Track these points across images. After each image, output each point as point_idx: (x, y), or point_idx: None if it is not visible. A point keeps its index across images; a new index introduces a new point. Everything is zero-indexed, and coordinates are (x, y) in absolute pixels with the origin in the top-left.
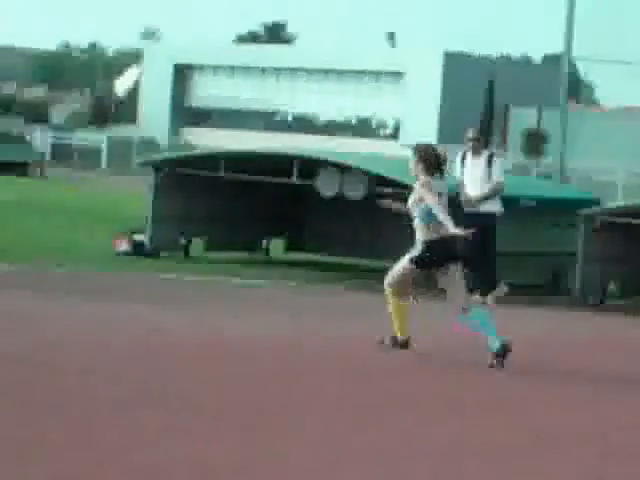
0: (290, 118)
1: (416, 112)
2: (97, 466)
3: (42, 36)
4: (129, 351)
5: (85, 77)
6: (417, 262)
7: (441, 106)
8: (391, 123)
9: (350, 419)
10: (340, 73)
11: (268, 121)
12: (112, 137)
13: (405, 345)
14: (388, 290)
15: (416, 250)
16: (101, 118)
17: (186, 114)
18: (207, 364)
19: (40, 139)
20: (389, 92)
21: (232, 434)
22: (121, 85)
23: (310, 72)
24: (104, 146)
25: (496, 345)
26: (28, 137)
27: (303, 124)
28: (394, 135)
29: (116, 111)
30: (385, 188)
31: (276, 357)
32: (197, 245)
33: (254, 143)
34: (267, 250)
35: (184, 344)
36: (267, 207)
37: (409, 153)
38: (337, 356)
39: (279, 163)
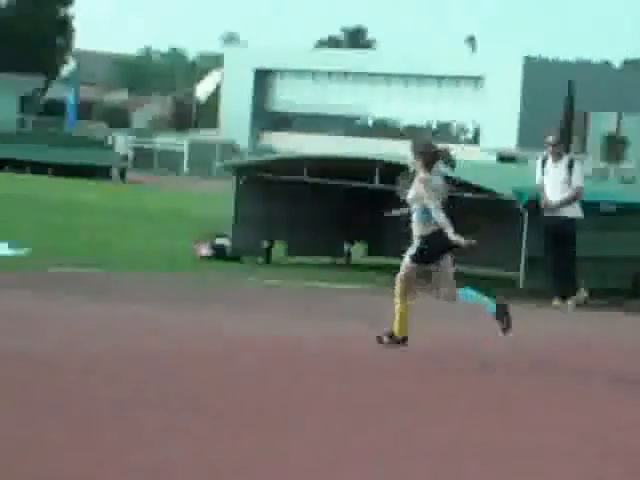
0: (370, 123)
1: (496, 117)
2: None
3: (124, 41)
4: (227, 355)
5: (166, 81)
6: (416, 258)
7: (521, 111)
8: (471, 128)
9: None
10: (420, 78)
11: (348, 126)
12: (193, 141)
13: (404, 341)
14: (396, 291)
15: (414, 247)
16: (182, 122)
17: (266, 118)
18: (314, 370)
19: (122, 143)
20: (469, 97)
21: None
22: (202, 89)
23: (390, 77)
24: (185, 150)
25: (493, 308)
26: (110, 141)
27: (383, 129)
28: (474, 140)
29: (197, 115)
30: (465, 193)
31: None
32: (278, 249)
33: (334, 147)
34: (348, 254)
35: (269, 346)
36: (348, 211)
37: (408, 153)
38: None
39: (360, 167)
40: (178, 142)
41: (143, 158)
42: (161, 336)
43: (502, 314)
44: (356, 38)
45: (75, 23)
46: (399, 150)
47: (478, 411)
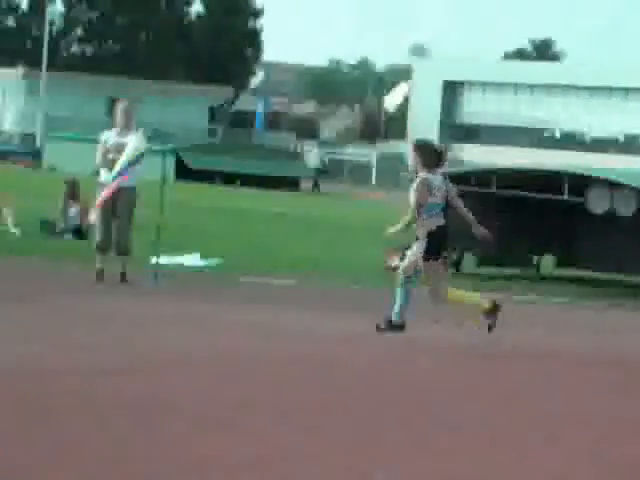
0: (558, 135)
1: None
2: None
3: (313, 52)
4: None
5: (355, 93)
6: (426, 255)
7: None
8: None
9: None
10: (607, 90)
11: (535, 137)
12: (382, 152)
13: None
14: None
15: (422, 246)
16: (371, 133)
17: (455, 130)
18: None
19: (314, 154)
20: None
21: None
22: (391, 101)
23: (578, 89)
24: (374, 161)
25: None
26: (299, 151)
27: (570, 141)
28: None
29: (386, 127)
30: None
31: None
32: (469, 260)
33: (522, 159)
34: (538, 266)
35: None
36: (537, 223)
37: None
38: None
39: (549, 179)
40: (367, 153)
41: (332, 169)
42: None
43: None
44: (544, 50)
45: (264, 35)
46: (586, 162)
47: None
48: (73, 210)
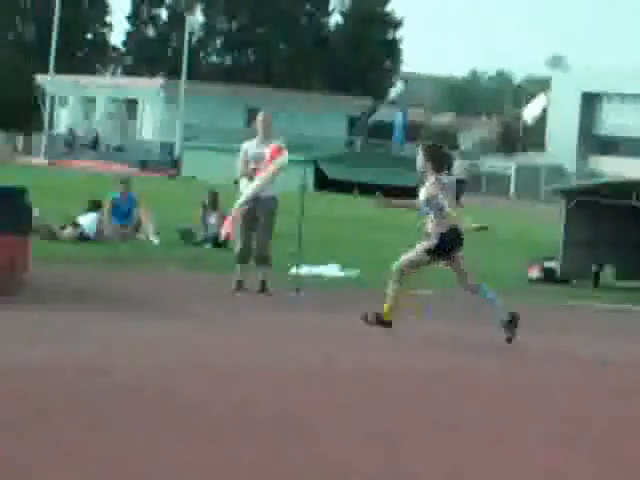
0: None
1: None
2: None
3: (451, 63)
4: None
5: (493, 104)
6: (433, 252)
7: None
8: None
9: None
10: None
11: None
12: (520, 164)
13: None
14: (395, 273)
15: (432, 241)
16: (509, 145)
17: (593, 142)
18: None
19: (457, 166)
20: None
21: None
22: (529, 112)
23: None
24: (512, 173)
25: (505, 316)
26: None
27: None
28: None
29: (524, 138)
30: None
31: None
32: (608, 273)
33: None
34: None
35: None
36: None
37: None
38: None
39: None
40: (505, 165)
41: (471, 180)
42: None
43: (512, 323)
44: None
45: (403, 46)
46: None
47: None
48: (213, 219)
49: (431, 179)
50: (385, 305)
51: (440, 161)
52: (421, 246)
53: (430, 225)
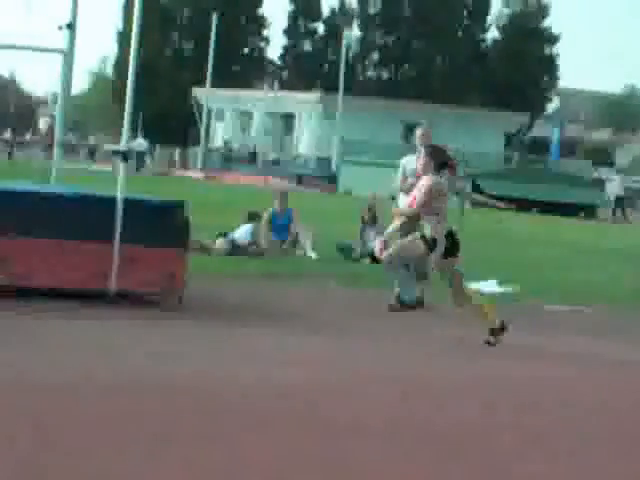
0: None
1: None
2: None
3: (609, 79)
4: None
5: None
6: (431, 246)
7: None
8: None
9: None
10: None
11: None
12: None
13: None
14: (458, 295)
15: (437, 240)
16: None
17: None
18: None
19: (617, 183)
20: None
21: None
22: None
23: None
24: None
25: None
26: (600, 179)
27: None
28: None
29: None
30: None
31: None
32: None
33: None
34: None
35: None
36: None
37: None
38: None
39: None
40: None
41: (628, 197)
42: None
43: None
44: None
45: (560, 61)
46: None
47: None
48: (372, 234)
49: (431, 180)
50: (485, 322)
51: (442, 163)
52: (436, 255)
53: (431, 227)
